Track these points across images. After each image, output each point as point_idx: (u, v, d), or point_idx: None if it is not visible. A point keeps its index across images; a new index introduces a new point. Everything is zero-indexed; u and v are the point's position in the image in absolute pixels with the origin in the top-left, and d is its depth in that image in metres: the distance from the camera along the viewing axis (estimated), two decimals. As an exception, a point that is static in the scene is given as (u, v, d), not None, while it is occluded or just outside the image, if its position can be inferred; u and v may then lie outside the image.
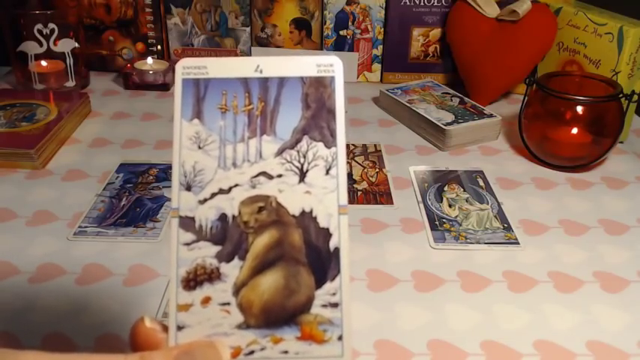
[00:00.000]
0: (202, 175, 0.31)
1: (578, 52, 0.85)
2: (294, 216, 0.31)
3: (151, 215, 0.64)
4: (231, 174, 0.31)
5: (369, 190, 0.69)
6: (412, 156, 0.78)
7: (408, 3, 0.96)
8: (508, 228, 0.63)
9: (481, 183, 0.71)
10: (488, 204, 0.67)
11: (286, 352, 0.29)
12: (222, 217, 0.31)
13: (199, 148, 0.32)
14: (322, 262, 0.30)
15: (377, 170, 0.74)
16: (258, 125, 0.32)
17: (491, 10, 0.90)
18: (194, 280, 0.30)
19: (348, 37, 1.00)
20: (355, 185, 0.70)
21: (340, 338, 0.30)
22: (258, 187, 0.31)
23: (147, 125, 0.85)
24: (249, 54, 1.01)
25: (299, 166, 0.31)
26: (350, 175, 0.72)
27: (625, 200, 0.70)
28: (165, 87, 0.97)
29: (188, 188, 0.31)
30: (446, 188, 0.70)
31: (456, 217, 0.65)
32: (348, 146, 0.80)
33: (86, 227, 0.61)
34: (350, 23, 0.99)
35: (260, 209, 0.31)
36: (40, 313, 0.50)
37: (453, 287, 0.55)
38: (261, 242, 0.31)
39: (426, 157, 0.78)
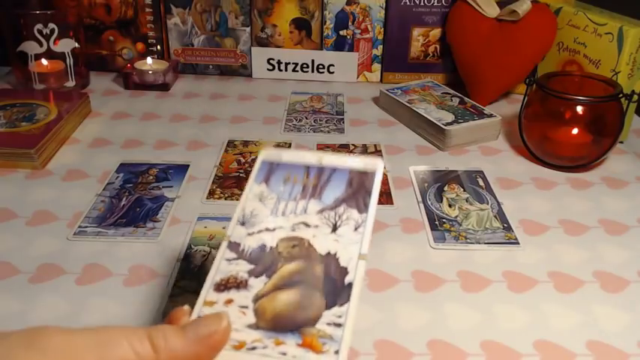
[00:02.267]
0: (256, 218, 0.40)
1: (578, 52, 0.85)
2: (320, 255, 0.38)
3: (151, 215, 0.64)
4: (279, 219, 0.40)
5: (369, 190, 0.69)
6: (412, 156, 0.78)
7: (408, 3, 0.96)
8: (508, 228, 0.63)
9: (481, 183, 0.71)
10: (488, 204, 0.67)
11: (285, 353, 0.33)
12: (262, 247, 0.39)
13: (260, 201, 0.41)
14: (336, 292, 0.36)
15: (377, 170, 0.74)
16: (309, 192, 0.41)
17: (492, 10, 0.90)
18: (225, 285, 0.37)
19: (348, 37, 1.00)
20: (355, 185, 0.70)
21: (337, 352, 0.33)
22: (297, 230, 0.39)
23: (147, 125, 0.85)
24: (249, 54, 1.01)
25: (334, 222, 0.40)
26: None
27: (625, 200, 0.70)
28: (166, 87, 0.97)
29: (242, 224, 0.40)
30: (446, 188, 0.70)
31: (456, 217, 0.65)
32: (348, 146, 0.80)
33: (86, 227, 0.61)
34: (350, 23, 0.99)
35: (294, 246, 0.38)
36: (40, 313, 0.50)
37: (452, 287, 0.55)
38: (288, 268, 0.37)
39: (426, 157, 0.78)
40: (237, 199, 0.67)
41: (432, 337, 0.49)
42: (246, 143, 0.80)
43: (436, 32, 0.99)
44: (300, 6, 0.98)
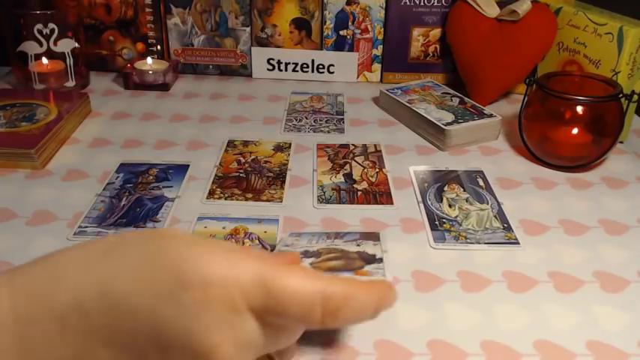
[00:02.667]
0: (296, 244, 0.54)
1: (578, 52, 0.85)
2: (352, 252, 0.52)
3: (151, 215, 0.64)
4: (314, 244, 0.53)
5: (369, 190, 0.69)
6: (412, 156, 0.78)
7: (408, 3, 0.96)
8: (508, 228, 0.63)
9: (481, 183, 0.71)
10: (488, 204, 0.67)
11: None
12: (306, 251, 0.52)
13: (296, 240, 0.55)
14: (371, 261, 0.50)
15: (377, 170, 0.74)
16: (332, 238, 0.55)
17: (492, 10, 0.90)
18: None
19: (348, 37, 1.00)
20: (355, 185, 0.70)
21: (384, 276, 0.48)
22: (331, 246, 0.53)
23: (147, 125, 0.85)
24: (249, 54, 1.01)
25: (356, 244, 0.54)
26: (350, 175, 0.72)
27: (625, 200, 0.70)
28: (166, 87, 0.97)
29: (286, 246, 0.54)
30: (446, 188, 0.70)
31: (456, 217, 0.65)
32: (348, 146, 0.80)
33: (86, 227, 0.61)
34: (350, 23, 0.99)
35: (330, 251, 0.52)
36: (40, 313, 0.50)
37: (453, 287, 0.55)
38: (330, 254, 0.51)
39: (426, 157, 0.78)
40: (237, 200, 0.67)
41: (432, 337, 0.49)
42: (246, 143, 0.80)
43: (436, 32, 0.99)
44: (300, 6, 0.98)
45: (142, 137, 0.81)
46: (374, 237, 0.55)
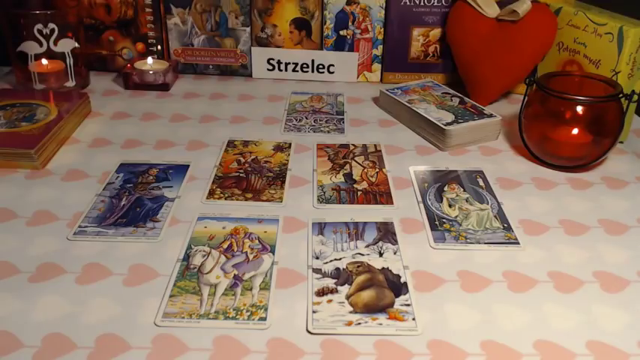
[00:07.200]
0: (325, 253, 0.58)
1: (578, 52, 0.85)
2: (378, 269, 0.56)
3: (151, 215, 0.64)
4: (341, 253, 0.58)
5: (369, 190, 0.69)
6: (412, 156, 0.78)
7: (408, 3, 0.96)
8: (508, 228, 0.63)
9: (481, 183, 0.71)
10: (488, 204, 0.67)
11: (381, 324, 0.49)
12: (337, 269, 0.56)
13: (322, 244, 0.59)
14: (398, 288, 0.54)
15: (377, 170, 0.74)
16: (354, 236, 0.60)
17: (492, 10, 0.90)
18: (322, 292, 0.53)
19: (348, 37, 1.00)
20: (355, 185, 0.70)
21: (414, 319, 0.50)
22: (356, 257, 0.57)
23: (147, 125, 0.85)
24: (249, 54, 1.01)
25: (379, 251, 0.58)
26: (350, 175, 0.72)
27: (625, 200, 0.70)
28: (166, 87, 0.97)
29: (317, 258, 0.57)
30: (446, 188, 0.70)
31: (456, 217, 0.65)
32: (347, 146, 0.80)
33: (86, 227, 0.61)
34: (350, 23, 0.99)
35: (358, 266, 0.56)
36: (40, 313, 0.50)
37: (453, 287, 0.55)
38: (360, 278, 0.55)
39: (426, 157, 0.78)
40: (237, 199, 0.67)
41: (432, 337, 0.49)
42: (246, 143, 0.80)
43: (436, 32, 0.99)
44: (300, 6, 0.98)
45: (142, 137, 0.81)
46: (390, 235, 0.60)
